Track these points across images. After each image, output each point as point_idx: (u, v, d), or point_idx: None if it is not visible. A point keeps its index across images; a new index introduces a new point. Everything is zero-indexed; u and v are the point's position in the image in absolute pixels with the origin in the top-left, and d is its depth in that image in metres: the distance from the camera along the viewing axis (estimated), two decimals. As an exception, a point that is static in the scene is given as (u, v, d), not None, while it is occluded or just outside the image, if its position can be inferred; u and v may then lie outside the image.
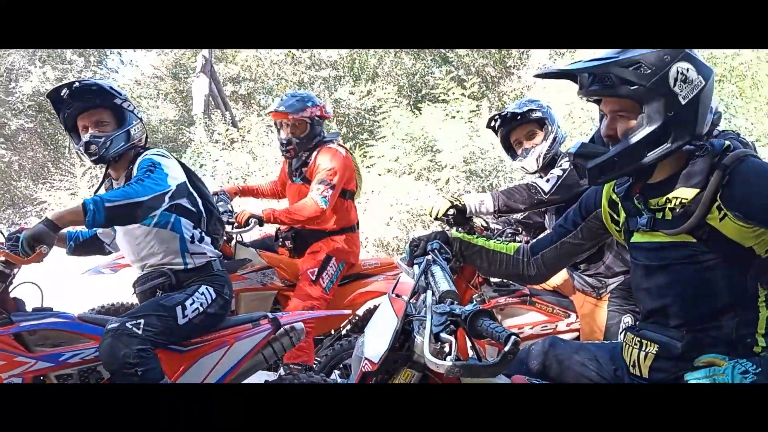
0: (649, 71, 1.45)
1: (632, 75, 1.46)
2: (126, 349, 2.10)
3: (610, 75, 1.47)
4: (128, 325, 2.16)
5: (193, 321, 2.35)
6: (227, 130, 12.13)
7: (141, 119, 2.53)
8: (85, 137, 2.40)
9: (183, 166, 2.51)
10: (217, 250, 2.59)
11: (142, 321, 2.20)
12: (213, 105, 14.72)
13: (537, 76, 1.68)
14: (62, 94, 2.38)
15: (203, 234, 2.53)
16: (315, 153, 3.53)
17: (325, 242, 3.58)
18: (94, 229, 2.66)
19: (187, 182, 2.48)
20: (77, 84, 2.39)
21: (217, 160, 10.34)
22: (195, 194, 2.54)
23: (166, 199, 2.24)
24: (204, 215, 2.56)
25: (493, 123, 2.92)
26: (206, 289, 2.44)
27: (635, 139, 1.48)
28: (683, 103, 1.46)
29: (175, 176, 2.35)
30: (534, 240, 1.95)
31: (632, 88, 1.46)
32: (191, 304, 2.36)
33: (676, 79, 1.45)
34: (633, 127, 1.49)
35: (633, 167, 1.51)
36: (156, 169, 2.29)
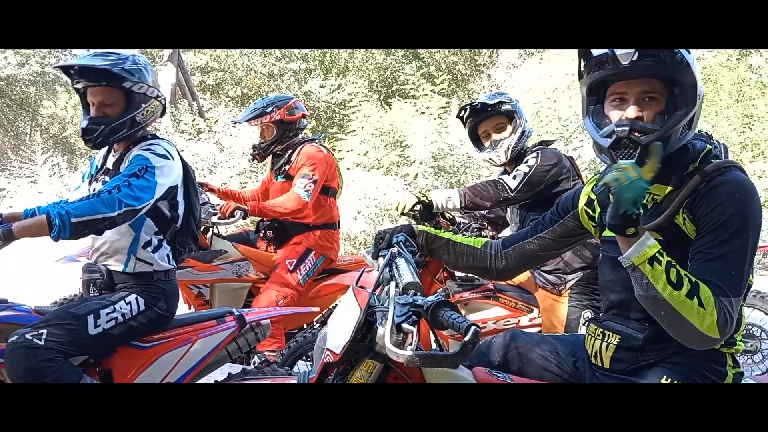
0: (688, 57, 1.46)
1: (684, 54, 1.45)
2: (26, 363, 1.99)
3: (662, 52, 1.43)
4: (28, 336, 2.02)
5: (109, 332, 2.17)
6: (194, 120, 11.96)
7: (157, 96, 2.36)
8: (84, 120, 2.26)
9: (185, 167, 2.37)
10: (171, 264, 2.40)
11: (44, 331, 2.05)
12: (180, 94, 14.48)
13: (582, 53, 1.53)
14: (70, 69, 2.24)
15: (163, 242, 2.35)
16: (297, 151, 3.65)
17: (306, 236, 3.67)
18: (54, 203, 2.57)
19: (180, 186, 2.34)
20: (85, 63, 2.23)
21: (182, 151, 10.17)
22: (181, 201, 2.37)
23: (140, 213, 2.14)
24: (178, 225, 2.38)
25: (462, 113, 2.93)
26: (135, 298, 2.26)
27: (676, 120, 1.45)
28: (700, 91, 1.49)
29: (165, 182, 2.21)
30: (506, 236, 1.95)
31: (681, 68, 1.44)
32: (108, 313, 2.18)
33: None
34: (663, 110, 1.47)
35: (672, 148, 1.47)
36: (144, 175, 2.14)
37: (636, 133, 1.45)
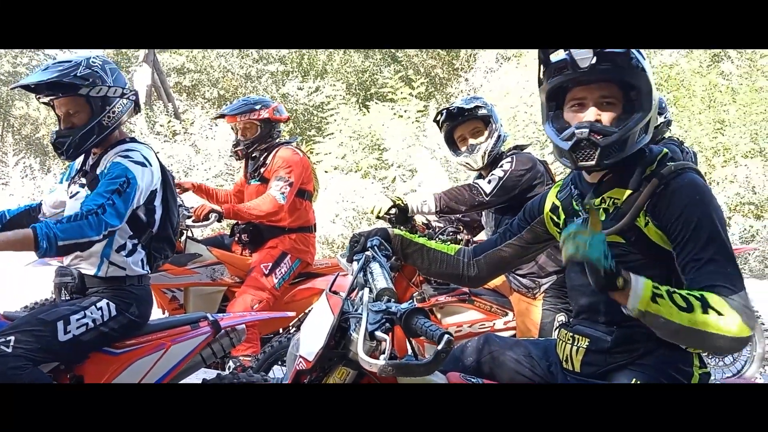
0: (645, 60, 1.50)
1: (641, 58, 1.48)
2: None
3: (618, 57, 1.47)
4: None
5: (79, 338, 2.14)
6: (170, 122, 11.84)
7: (123, 94, 2.28)
8: (53, 134, 2.25)
9: (164, 171, 2.36)
10: (145, 270, 2.37)
11: (12, 338, 2.02)
12: (155, 96, 14.33)
13: (543, 52, 1.56)
14: (29, 87, 2.22)
15: (137, 247, 2.31)
16: (273, 154, 3.64)
17: (281, 239, 3.64)
18: (26, 205, 2.58)
19: (158, 191, 2.32)
20: (36, 79, 2.17)
21: (158, 153, 10.05)
22: (158, 206, 2.34)
23: (123, 224, 2.15)
24: (154, 230, 2.35)
25: (438, 118, 2.94)
26: (106, 303, 2.23)
27: (634, 122, 1.48)
28: (655, 96, 1.53)
29: (144, 189, 2.21)
30: (477, 243, 1.96)
31: (637, 72, 1.48)
32: (78, 319, 2.15)
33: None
34: (621, 114, 1.51)
35: (624, 155, 1.50)
36: (125, 191, 2.13)
37: (595, 135, 1.48)
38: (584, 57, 1.47)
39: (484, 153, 2.84)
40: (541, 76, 1.58)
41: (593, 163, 1.50)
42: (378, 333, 1.23)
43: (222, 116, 3.71)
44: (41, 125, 16.72)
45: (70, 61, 2.21)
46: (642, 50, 1.52)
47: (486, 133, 2.86)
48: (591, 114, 1.51)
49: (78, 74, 2.19)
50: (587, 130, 1.48)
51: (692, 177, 1.49)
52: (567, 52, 1.50)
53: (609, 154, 1.48)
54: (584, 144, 1.49)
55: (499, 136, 2.87)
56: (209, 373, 3.22)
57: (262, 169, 3.66)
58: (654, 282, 1.36)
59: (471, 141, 2.87)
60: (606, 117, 1.51)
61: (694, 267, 1.41)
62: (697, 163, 3.54)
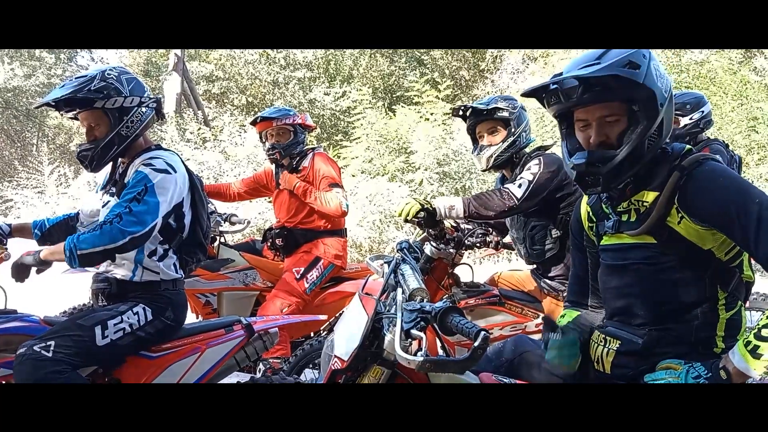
0: (639, 68, 1.46)
1: (628, 74, 1.45)
2: (35, 375, 2.01)
3: (606, 78, 1.45)
4: (36, 348, 2.04)
5: (117, 342, 2.19)
6: (199, 129, 12.03)
7: (141, 103, 2.30)
8: (78, 148, 2.31)
9: (191, 176, 2.37)
10: (178, 273, 2.39)
11: (52, 343, 2.07)
12: (185, 103, 14.56)
13: (525, 94, 1.61)
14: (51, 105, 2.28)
15: (168, 252, 2.34)
16: (309, 159, 3.69)
17: (315, 244, 3.67)
18: (65, 215, 2.66)
19: (186, 199, 2.34)
20: (53, 96, 2.23)
21: (188, 160, 10.24)
22: (187, 211, 2.37)
23: (152, 234, 2.18)
24: (185, 235, 2.38)
25: (460, 112, 2.93)
26: (142, 308, 2.27)
27: (640, 135, 1.47)
28: (666, 96, 1.50)
29: (167, 198, 2.22)
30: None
31: (630, 87, 1.46)
32: (116, 324, 2.19)
33: (656, 75, 1.49)
34: (627, 127, 1.49)
35: (639, 165, 1.50)
36: (144, 197, 2.15)
37: (594, 165, 1.49)
38: (571, 86, 1.48)
39: (490, 156, 2.81)
40: (544, 102, 1.59)
41: (599, 189, 1.52)
42: (413, 331, 1.25)
43: (257, 121, 3.73)
44: (75, 134, 17.09)
45: (86, 76, 2.26)
46: (654, 52, 1.50)
47: (503, 135, 2.82)
48: (595, 134, 1.51)
49: (92, 88, 2.22)
50: (584, 162, 1.50)
51: (712, 164, 1.48)
52: (554, 85, 1.50)
53: (614, 177, 1.50)
54: (587, 177, 1.51)
55: (515, 141, 2.81)
56: (241, 377, 3.26)
57: (297, 175, 3.69)
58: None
59: (486, 140, 2.85)
60: (612, 133, 1.51)
61: (759, 236, 1.36)
62: (740, 170, 3.44)
